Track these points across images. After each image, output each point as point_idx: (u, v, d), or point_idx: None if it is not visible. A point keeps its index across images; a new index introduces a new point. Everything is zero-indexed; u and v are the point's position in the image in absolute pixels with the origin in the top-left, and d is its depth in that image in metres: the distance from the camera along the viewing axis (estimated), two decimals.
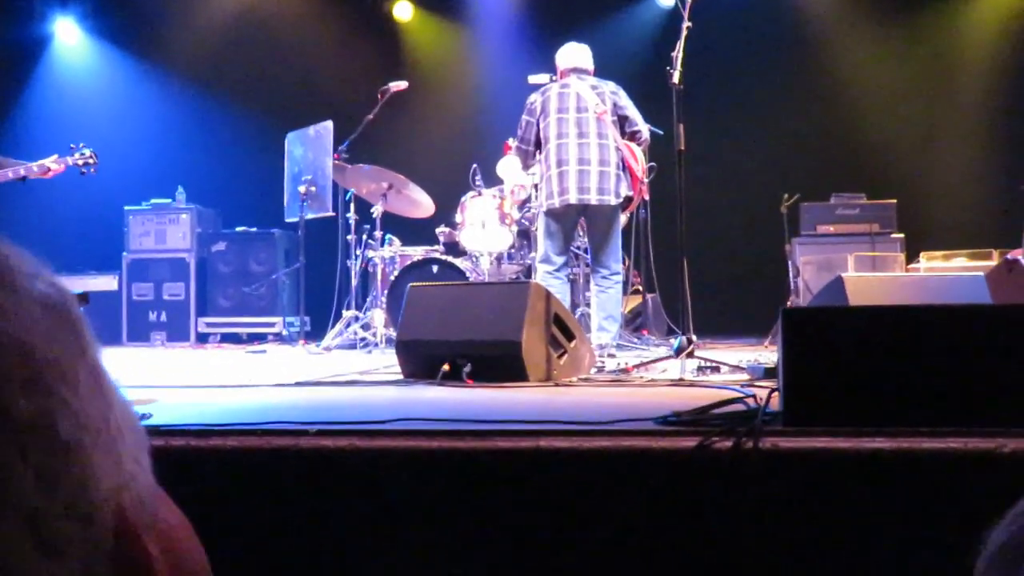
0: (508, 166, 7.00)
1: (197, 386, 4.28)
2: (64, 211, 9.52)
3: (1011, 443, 2.21)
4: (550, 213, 6.17)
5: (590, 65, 6.43)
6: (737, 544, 2.32)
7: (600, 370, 4.68)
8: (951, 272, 7.01)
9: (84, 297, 5.09)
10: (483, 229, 7.10)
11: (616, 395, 3.69)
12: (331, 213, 7.56)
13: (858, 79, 9.65)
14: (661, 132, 6.30)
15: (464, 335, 4.21)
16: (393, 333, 6.03)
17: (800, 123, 9.59)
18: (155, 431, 2.49)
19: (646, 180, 6.33)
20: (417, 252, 7.45)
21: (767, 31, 9.53)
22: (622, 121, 6.24)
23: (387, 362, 5.29)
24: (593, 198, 6.03)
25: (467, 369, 4.04)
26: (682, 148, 4.65)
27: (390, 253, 7.50)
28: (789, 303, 7.73)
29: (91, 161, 6.44)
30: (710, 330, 6.70)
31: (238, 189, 9.72)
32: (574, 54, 6.42)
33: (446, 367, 4.09)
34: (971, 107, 9.45)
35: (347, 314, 7.31)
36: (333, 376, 4.68)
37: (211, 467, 2.45)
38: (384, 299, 7.18)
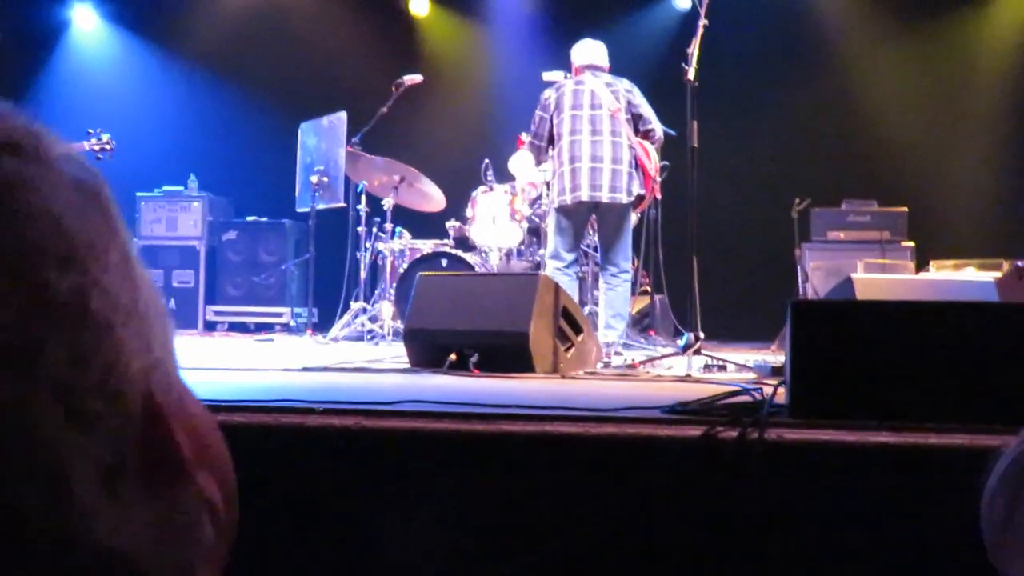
0: (520, 162, 7.00)
1: (203, 368, 4.29)
2: None
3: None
4: (561, 209, 6.17)
5: (605, 62, 6.43)
6: (740, 533, 2.32)
7: (606, 366, 4.69)
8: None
9: None
10: (493, 224, 7.11)
11: (622, 388, 3.69)
12: (342, 204, 7.57)
13: (873, 86, 9.64)
14: (674, 133, 6.30)
15: (472, 325, 4.22)
16: (400, 326, 6.03)
17: (813, 128, 9.58)
18: None
19: (658, 179, 6.32)
20: (427, 246, 7.46)
21: (784, 35, 9.52)
22: (636, 119, 6.24)
23: (394, 353, 5.30)
24: (605, 195, 6.03)
25: (474, 359, 4.04)
26: (695, 145, 4.66)
27: (400, 246, 7.50)
28: None
29: (108, 147, 6.47)
30: (717, 333, 6.69)
31: (250, 178, 9.74)
32: (590, 51, 6.42)
33: (453, 356, 4.10)
34: (985, 117, 9.43)
35: (355, 306, 7.31)
36: (340, 363, 4.69)
37: None
38: (392, 291, 7.18)
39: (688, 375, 4.15)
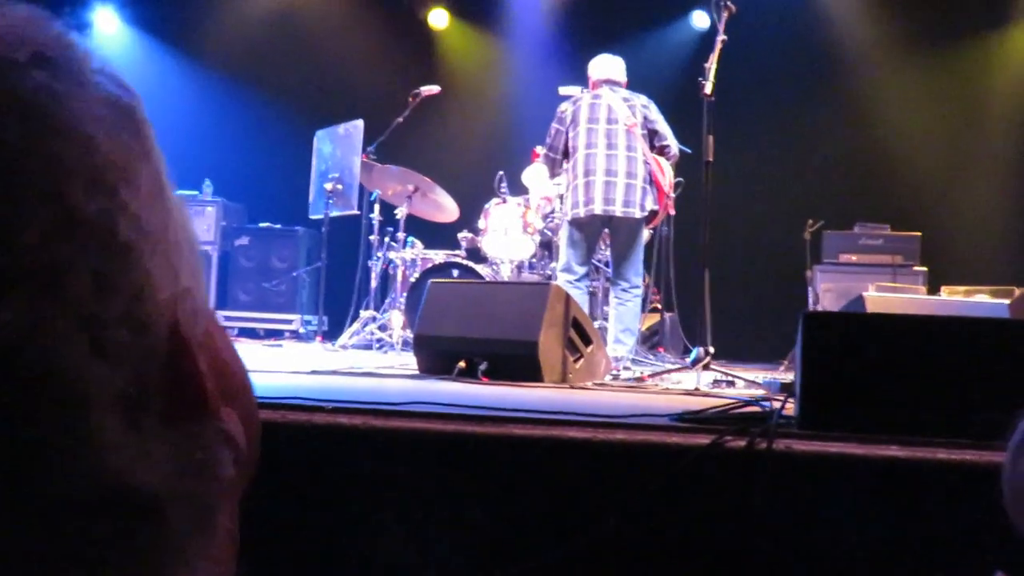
0: (534, 174, 7.02)
1: None
2: None
3: None
4: (574, 222, 6.18)
5: (623, 77, 6.44)
6: (745, 543, 2.31)
7: (615, 378, 4.68)
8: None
9: None
10: (506, 236, 7.11)
11: (631, 398, 3.68)
12: (355, 211, 7.59)
13: (889, 109, 9.64)
14: (690, 150, 6.31)
15: (482, 333, 4.22)
16: (410, 335, 6.03)
17: (828, 149, 9.58)
18: None
19: (672, 195, 6.33)
20: (438, 256, 7.47)
21: (801, 57, 9.53)
22: (651, 135, 6.25)
23: (403, 361, 5.30)
24: (618, 210, 6.03)
25: (483, 367, 4.04)
26: (710, 159, 4.66)
27: (411, 255, 7.51)
28: None
29: None
30: (726, 352, 6.68)
31: (265, 184, 9.79)
32: (607, 65, 6.44)
33: (462, 364, 4.09)
34: (1000, 144, 9.42)
35: (365, 314, 7.32)
36: (349, 368, 4.69)
37: None
38: (403, 301, 7.19)
39: (697, 388, 4.14)
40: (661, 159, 6.25)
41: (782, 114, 9.45)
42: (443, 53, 10.52)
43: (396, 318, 7.11)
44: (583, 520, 2.39)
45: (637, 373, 5.12)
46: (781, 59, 9.43)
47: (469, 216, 7.60)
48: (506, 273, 7.17)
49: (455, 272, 7.19)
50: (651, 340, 8.11)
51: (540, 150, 6.69)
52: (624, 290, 6.22)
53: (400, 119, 7.49)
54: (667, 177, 6.23)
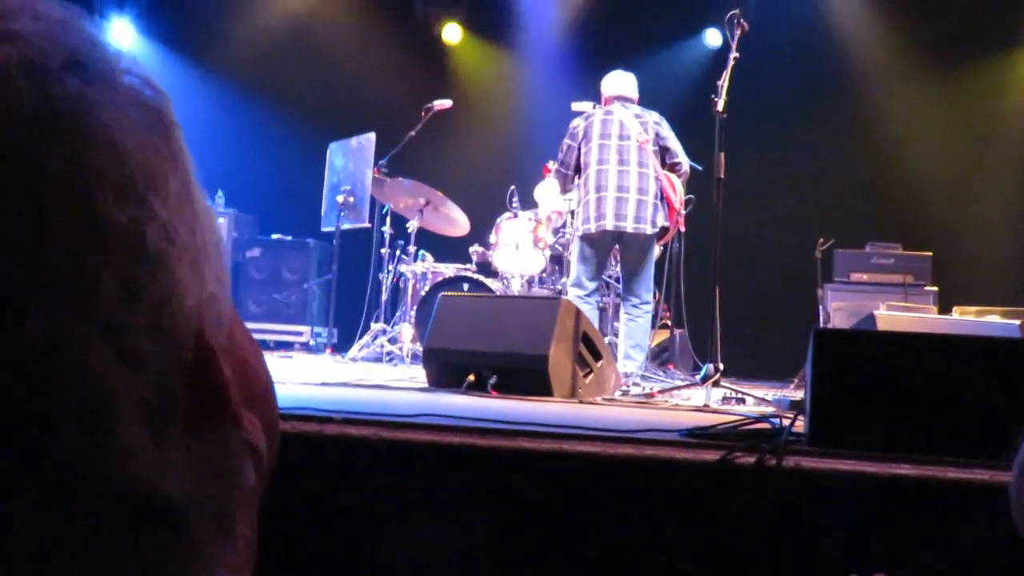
0: (546, 189, 7.03)
1: None
2: None
3: None
4: (585, 238, 6.19)
5: (635, 94, 6.45)
6: (753, 559, 2.31)
7: (624, 394, 4.68)
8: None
9: None
10: (516, 251, 7.13)
11: (640, 413, 3.68)
12: (367, 224, 7.61)
13: (901, 129, 9.63)
14: (701, 168, 6.32)
15: (492, 347, 4.22)
16: (420, 348, 6.04)
17: (839, 168, 9.58)
18: None
19: (683, 212, 6.33)
20: (449, 269, 7.48)
21: (814, 75, 9.55)
22: (663, 152, 6.25)
23: (412, 374, 5.31)
24: (629, 226, 6.04)
25: (492, 381, 4.04)
26: (722, 176, 4.67)
27: (422, 269, 7.52)
28: None
29: None
30: (736, 370, 6.67)
31: (277, 196, 9.82)
32: (620, 82, 6.46)
33: (472, 377, 4.10)
34: (1013, 164, 9.40)
35: (375, 327, 7.33)
36: (358, 380, 4.70)
37: None
38: (413, 314, 7.20)
39: (706, 405, 4.14)
40: (672, 176, 6.26)
41: (794, 132, 9.46)
42: (456, 68, 10.56)
43: (406, 331, 7.12)
44: (591, 534, 2.39)
45: (647, 389, 5.12)
46: (793, 78, 9.45)
47: (480, 230, 7.61)
48: (516, 287, 7.18)
49: (465, 286, 7.20)
50: (661, 356, 8.10)
51: (552, 165, 6.71)
52: (634, 306, 6.22)
53: (412, 133, 7.52)
54: (678, 194, 6.23)
